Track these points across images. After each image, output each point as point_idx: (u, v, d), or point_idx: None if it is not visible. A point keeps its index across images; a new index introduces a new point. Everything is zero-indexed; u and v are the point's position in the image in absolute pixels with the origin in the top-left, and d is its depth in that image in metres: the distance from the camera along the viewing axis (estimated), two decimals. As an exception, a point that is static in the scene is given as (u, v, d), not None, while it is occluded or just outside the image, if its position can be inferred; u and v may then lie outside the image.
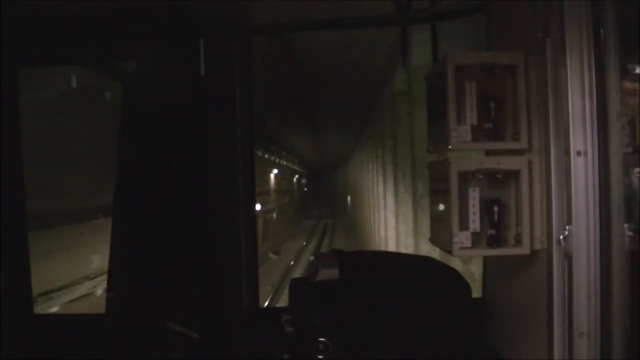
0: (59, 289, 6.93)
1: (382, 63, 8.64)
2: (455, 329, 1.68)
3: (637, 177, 1.27)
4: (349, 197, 33.74)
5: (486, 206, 1.46)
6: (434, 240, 1.69)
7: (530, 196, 1.44)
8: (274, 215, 23.60)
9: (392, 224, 11.14)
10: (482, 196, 1.46)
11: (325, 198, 51.33)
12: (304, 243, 25.15)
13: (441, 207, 1.56)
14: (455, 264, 3.23)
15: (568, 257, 1.30)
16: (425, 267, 1.85)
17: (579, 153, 1.28)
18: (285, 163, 29.33)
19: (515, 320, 1.65)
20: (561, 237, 1.31)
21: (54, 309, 6.40)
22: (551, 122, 1.35)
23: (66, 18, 2.01)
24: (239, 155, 2.11)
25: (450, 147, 1.46)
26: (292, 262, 19.54)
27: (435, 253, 2.11)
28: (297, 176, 40.66)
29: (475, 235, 1.45)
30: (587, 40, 1.28)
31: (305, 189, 52.37)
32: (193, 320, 1.87)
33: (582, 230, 1.28)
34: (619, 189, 1.28)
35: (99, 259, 7.20)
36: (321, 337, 1.59)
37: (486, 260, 1.93)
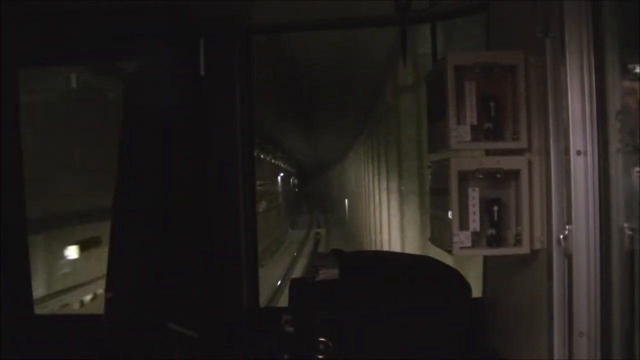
0: None
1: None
2: (455, 329, 1.68)
3: (637, 176, 1.27)
4: (346, 201, 27.77)
5: (486, 206, 1.46)
6: (434, 240, 1.69)
7: (530, 196, 1.44)
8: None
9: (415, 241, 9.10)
10: (482, 196, 1.46)
11: (320, 200, 46.68)
12: (287, 267, 18.07)
13: (441, 206, 1.56)
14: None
15: (568, 256, 1.30)
16: (425, 267, 1.85)
17: (578, 153, 1.28)
18: (262, 156, 23.03)
19: (515, 320, 1.65)
20: (561, 236, 1.31)
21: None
22: (551, 122, 1.35)
23: (66, 18, 2.01)
24: (239, 155, 2.11)
25: (450, 147, 1.46)
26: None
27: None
28: (281, 174, 33.37)
29: (475, 235, 1.45)
30: (587, 40, 1.28)
31: (297, 190, 47.74)
32: (193, 320, 1.87)
33: (582, 230, 1.28)
34: (619, 188, 1.28)
35: None
36: (321, 337, 1.59)
37: (486, 260, 1.93)
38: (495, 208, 1.46)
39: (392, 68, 8.88)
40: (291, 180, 42.29)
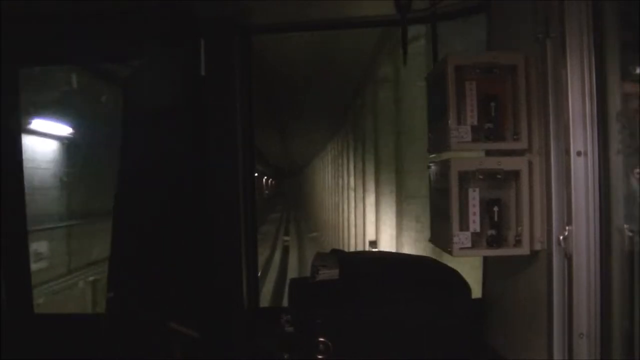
0: None
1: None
2: (455, 328, 1.68)
3: (637, 177, 1.27)
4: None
5: (486, 206, 1.46)
6: (433, 241, 1.69)
7: (530, 196, 1.44)
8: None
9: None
10: (482, 196, 1.46)
11: (299, 210, 32.43)
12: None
13: (441, 207, 1.56)
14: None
15: (568, 257, 1.30)
16: (425, 268, 1.85)
17: (579, 153, 1.28)
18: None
19: (515, 321, 1.65)
20: (561, 237, 1.31)
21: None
22: (551, 123, 1.35)
23: (66, 18, 2.01)
24: (239, 155, 2.11)
25: (450, 147, 1.46)
26: None
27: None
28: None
29: (475, 235, 1.45)
30: (587, 41, 1.28)
31: (267, 193, 37.58)
32: (193, 320, 1.87)
33: (582, 231, 1.28)
34: (619, 189, 1.28)
35: None
36: (321, 337, 1.59)
37: (486, 260, 1.93)
38: (496, 208, 1.46)
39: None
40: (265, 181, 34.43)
